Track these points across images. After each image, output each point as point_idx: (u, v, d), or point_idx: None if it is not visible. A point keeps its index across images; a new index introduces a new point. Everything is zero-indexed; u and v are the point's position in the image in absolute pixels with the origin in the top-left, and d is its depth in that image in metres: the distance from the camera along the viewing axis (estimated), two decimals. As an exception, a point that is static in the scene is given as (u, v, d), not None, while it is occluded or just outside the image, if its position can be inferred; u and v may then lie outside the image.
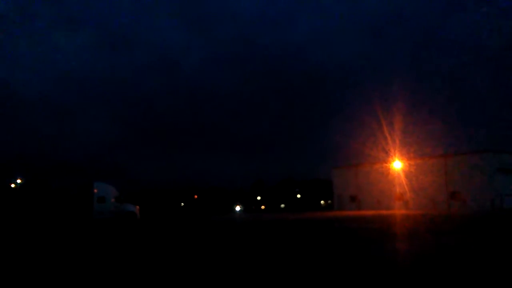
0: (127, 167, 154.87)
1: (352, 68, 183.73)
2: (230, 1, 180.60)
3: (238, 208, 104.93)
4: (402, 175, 57.37)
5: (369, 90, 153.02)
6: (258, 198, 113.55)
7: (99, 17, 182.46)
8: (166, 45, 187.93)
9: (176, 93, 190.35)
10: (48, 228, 22.49)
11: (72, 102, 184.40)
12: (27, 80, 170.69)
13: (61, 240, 13.53)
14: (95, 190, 29.84)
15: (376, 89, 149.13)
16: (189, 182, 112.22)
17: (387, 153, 57.13)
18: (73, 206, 29.46)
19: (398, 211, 46.99)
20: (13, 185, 39.83)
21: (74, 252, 9.63)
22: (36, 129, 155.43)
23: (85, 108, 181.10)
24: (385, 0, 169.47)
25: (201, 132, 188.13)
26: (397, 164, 56.39)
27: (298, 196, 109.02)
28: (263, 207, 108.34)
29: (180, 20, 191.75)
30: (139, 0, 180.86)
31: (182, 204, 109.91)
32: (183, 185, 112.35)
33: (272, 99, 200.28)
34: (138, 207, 32.08)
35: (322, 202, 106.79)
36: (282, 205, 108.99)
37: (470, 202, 49.07)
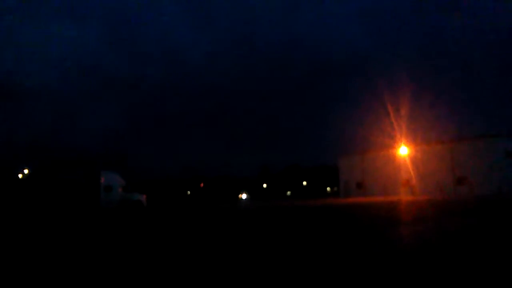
0: (134, 156, 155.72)
1: (357, 54, 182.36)
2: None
3: (244, 196, 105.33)
4: (408, 161, 57.23)
5: (375, 76, 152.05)
6: (264, 185, 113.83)
7: (107, 11, 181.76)
8: (173, 37, 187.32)
9: (182, 83, 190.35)
10: (55, 217, 22.68)
11: (80, 94, 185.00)
12: (35, 72, 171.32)
13: (68, 229, 13.64)
14: (102, 180, 30.00)
15: (382, 75, 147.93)
16: (196, 171, 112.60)
17: (393, 139, 57.00)
18: (81, 196, 29.66)
19: (404, 197, 46.95)
20: (20, 176, 40.12)
21: (81, 241, 9.69)
22: (43, 120, 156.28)
23: (93, 99, 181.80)
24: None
25: (207, 121, 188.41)
26: (403, 150, 56.23)
27: (304, 183, 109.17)
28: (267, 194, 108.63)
29: (185, 14, 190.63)
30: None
31: (189, 192, 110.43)
32: (189, 174, 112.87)
33: (278, 87, 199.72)
34: (145, 196, 32.26)
35: (328, 188, 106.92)
36: (288, 192, 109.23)
37: (477, 187, 48.86)
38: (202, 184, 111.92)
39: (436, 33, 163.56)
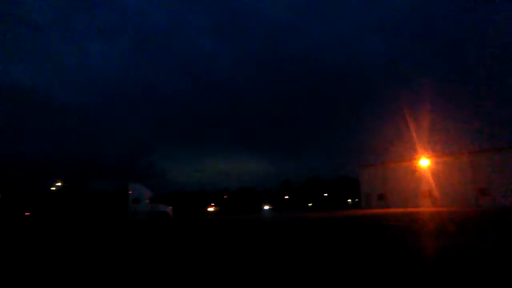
0: (161, 169, 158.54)
1: (377, 65, 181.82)
2: (255, 7, 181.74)
3: (266, 207, 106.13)
4: (429, 173, 57.27)
5: (395, 88, 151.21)
6: (286, 197, 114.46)
7: (132, 26, 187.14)
8: (198, 51, 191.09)
9: (206, 96, 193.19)
10: (86, 229, 24.17)
11: (108, 108, 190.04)
12: (66, 87, 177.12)
13: (98, 240, 14.76)
14: (130, 192, 31.64)
15: (403, 86, 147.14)
16: (220, 183, 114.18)
17: (414, 150, 57.25)
18: (110, 207, 31.34)
19: (425, 208, 47.10)
20: (53, 188, 42.31)
21: (110, 252, 10.61)
22: (74, 134, 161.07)
23: (121, 113, 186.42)
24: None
25: (232, 135, 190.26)
26: (424, 162, 56.37)
27: (325, 195, 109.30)
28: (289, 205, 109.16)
29: (208, 27, 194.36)
30: (169, 10, 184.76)
31: (213, 204, 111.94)
32: (214, 186, 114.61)
33: (298, 100, 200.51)
34: (171, 207, 33.71)
35: (349, 200, 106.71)
36: (310, 204, 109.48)
37: (499, 198, 48.65)
38: (226, 196, 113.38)
39: (458, 43, 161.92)
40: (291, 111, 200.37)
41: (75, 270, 7.00)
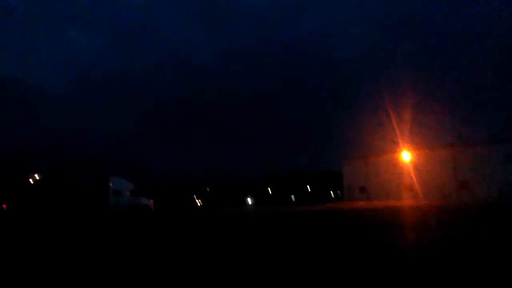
0: (141, 161, 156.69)
1: (360, 59, 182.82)
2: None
3: (249, 200, 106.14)
4: (410, 166, 57.85)
5: (377, 81, 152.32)
6: (269, 190, 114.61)
7: (112, 15, 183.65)
8: (181, 40, 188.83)
9: (188, 87, 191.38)
10: (63, 221, 23.58)
11: (87, 98, 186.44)
12: (43, 78, 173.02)
13: (75, 233, 14.39)
14: (111, 184, 30.95)
15: (385, 79, 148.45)
16: (201, 175, 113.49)
17: (395, 144, 57.71)
18: (89, 200, 30.60)
19: (406, 201, 47.57)
20: (31, 180, 41.19)
21: (86, 245, 10.35)
22: (52, 125, 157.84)
23: (100, 104, 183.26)
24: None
25: (213, 126, 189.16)
26: (406, 155, 56.91)
27: (308, 187, 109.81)
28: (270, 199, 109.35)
29: (195, 15, 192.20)
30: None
31: (195, 197, 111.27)
32: (195, 178, 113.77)
33: (281, 92, 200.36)
34: (152, 200, 33.16)
35: (332, 193, 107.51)
36: (292, 197, 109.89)
37: (479, 192, 49.42)
38: (207, 189, 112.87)
39: (437, 36, 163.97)
40: (273, 103, 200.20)
41: (50, 264, 6.73)
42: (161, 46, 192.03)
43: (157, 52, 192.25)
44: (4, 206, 33.82)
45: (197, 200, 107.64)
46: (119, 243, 10.29)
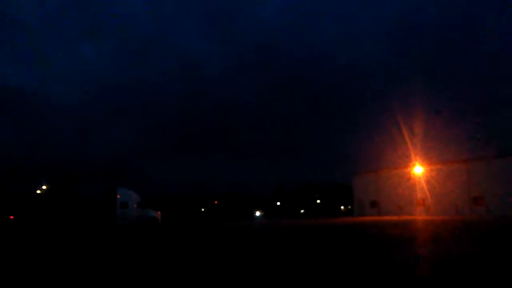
0: (149, 173, 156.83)
1: (372, 73, 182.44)
2: (252, 8, 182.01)
3: (258, 213, 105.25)
4: (423, 180, 56.80)
5: (389, 95, 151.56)
6: (278, 203, 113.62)
7: (123, 28, 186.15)
8: (189, 52, 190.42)
9: (197, 100, 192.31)
10: (71, 233, 23.21)
11: (96, 110, 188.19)
12: (54, 90, 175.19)
13: (83, 244, 14.08)
14: (118, 196, 30.64)
15: (397, 93, 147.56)
16: (210, 188, 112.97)
17: (407, 158, 56.78)
18: (97, 212, 30.31)
19: (419, 216, 46.54)
20: (38, 191, 41.19)
21: (94, 256, 10.09)
22: (61, 136, 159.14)
23: (109, 116, 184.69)
24: (407, 5, 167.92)
25: (223, 139, 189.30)
26: (418, 169, 55.92)
27: (318, 201, 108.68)
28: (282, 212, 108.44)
29: (203, 28, 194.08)
30: (162, 9, 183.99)
31: (203, 210, 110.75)
32: (204, 191, 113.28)
33: (292, 106, 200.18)
34: (159, 212, 32.76)
35: (342, 207, 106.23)
36: (302, 211, 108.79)
37: (493, 208, 48.18)
38: (216, 202, 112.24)
39: (451, 52, 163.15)
40: (284, 116, 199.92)
41: (56, 275, 6.48)
42: (170, 59, 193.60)
43: (167, 65, 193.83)
44: (11, 217, 33.75)
45: (205, 213, 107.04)
46: (123, 255, 9.91)
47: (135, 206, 31.21)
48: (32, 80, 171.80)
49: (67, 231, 25.26)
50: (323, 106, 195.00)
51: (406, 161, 57.86)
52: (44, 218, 30.73)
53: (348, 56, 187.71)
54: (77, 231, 25.49)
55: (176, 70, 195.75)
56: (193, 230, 24.64)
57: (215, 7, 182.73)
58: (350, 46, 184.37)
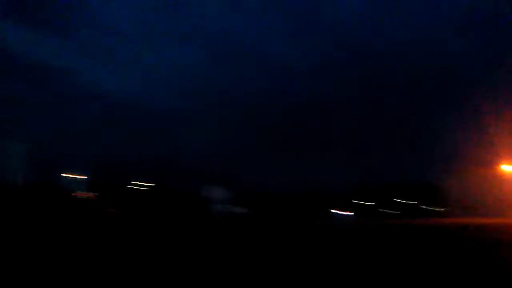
0: (238, 172, 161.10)
1: (465, 66, 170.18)
2: (332, 8, 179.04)
3: (341, 212, 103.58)
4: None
5: (485, 89, 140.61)
6: (362, 202, 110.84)
7: (214, 32, 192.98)
8: (276, 54, 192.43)
9: (282, 100, 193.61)
10: (171, 226, 24.91)
11: (190, 112, 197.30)
12: (152, 94, 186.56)
13: (182, 236, 15.21)
14: (210, 193, 32.49)
15: (490, 89, 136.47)
16: (294, 185, 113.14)
17: (503, 156, 52.69)
18: (192, 207, 32.34)
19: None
20: (142, 188, 44.75)
21: (192, 249, 10.90)
22: (161, 138, 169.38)
23: (202, 117, 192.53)
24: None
25: (307, 136, 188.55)
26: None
27: (405, 201, 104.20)
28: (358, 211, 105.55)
29: (288, 29, 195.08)
30: (248, 13, 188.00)
31: (288, 207, 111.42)
32: (288, 188, 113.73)
33: (378, 102, 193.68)
34: (246, 209, 34.07)
35: (431, 208, 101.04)
36: (389, 210, 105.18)
37: None
38: (298, 199, 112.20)
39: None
40: (372, 113, 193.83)
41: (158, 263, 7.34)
42: (256, 59, 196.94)
43: (253, 66, 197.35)
44: (114, 210, 37.08)
45: (287, 210, 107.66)
46: (217, 248, 10.71)
47: (224, 203, 32.79)
48: (131, 85, 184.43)
49: (167, 224, 26.96)
50: (412, 101, 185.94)
51: (504, 160, 53.67)
52: (147, 211, 33.38)
53: (432, 49, 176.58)
54: (176, 224, 27.18)
55: (263, 71, 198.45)
56: (295, 228, 25.20)
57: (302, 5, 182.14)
58: (433, 38, 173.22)
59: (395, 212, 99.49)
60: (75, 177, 44.90)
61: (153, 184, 40.09)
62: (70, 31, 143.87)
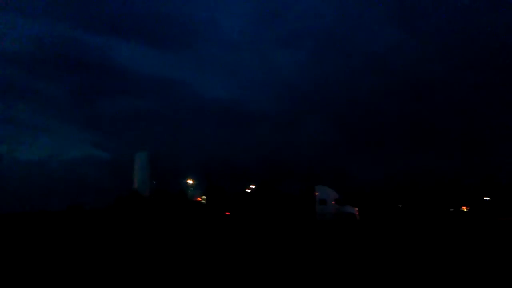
0: (346, 169, 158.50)
1: None
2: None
3: (462, 209, 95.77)
4: None
5: None
6: (487, 198, 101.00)
7: (316, 32, 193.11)
8: (379, 46, 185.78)
9: (389, 92, 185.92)
10: (276, 227, 25.47)
11: (293, 112, 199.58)
12: (254, 97, 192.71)
13: (288, 237, 15.51)
14: (317, 193, 32.37)
15: None
16: (406, 181, 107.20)
17: None
18: (298, 208, 32.59)
19: None
20: (247, 190, 46.37)
21: (299, 248, 11.08)
22: (263, 141, 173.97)
23: (305, 117, 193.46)
24: None
25: (417, 131, 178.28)
26: None
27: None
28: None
29: (391, 20, 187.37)
30: (343, 8, 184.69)
31: (400, 205, 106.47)
32: (399, 185, 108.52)
33: (494, 89, 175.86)
34: (357, 209, 33.23)
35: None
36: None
37: None
38: (413, 197, 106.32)
39: None
40: (485, 100, 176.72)
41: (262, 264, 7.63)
42: (361, 54, 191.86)
43: (357, 61, 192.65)
44: (228, 213, 38.78)
45: (402, 208, 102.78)
46: (324, 250, 10.76)
47: (333, 203, 32.41)
48: (235, 89, 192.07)
49: (273, 225, 27.62)
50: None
51: None
52: (253, 213, 34.42)
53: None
54: (282, 225, 27.68)
55: (367, 65, 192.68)
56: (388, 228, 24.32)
57: None
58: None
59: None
60: (191, 182, 48.23)
61: (258, 185, 41.31)
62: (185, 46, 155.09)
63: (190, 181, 48.23)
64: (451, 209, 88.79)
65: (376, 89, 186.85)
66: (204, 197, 45.54)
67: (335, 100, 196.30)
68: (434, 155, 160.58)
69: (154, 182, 50.47)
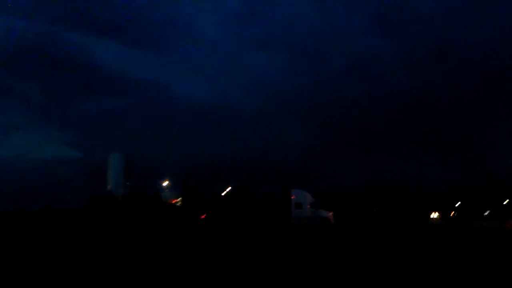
0: (322, 173, 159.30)
1: None
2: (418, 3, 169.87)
3: (435, 215, 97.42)
4: None
5: None
6: (457, 203, 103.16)
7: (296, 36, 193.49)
8: (362, 50, 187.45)
9: (371, 97, 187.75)
10: (251, 230, 25.31)
11: (272, 115, 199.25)
12: (233, 99, 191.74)
13: (261, 241, 15.40)
14: (293, 197, 32.38)
15: None
16: (382, 186, 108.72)
17: None
18: (273, 211, 32.50)
19: None
20: (223, 193, 46.00)
21: (271, 253, 10.99)
22: (241, 142, 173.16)
23: (285, 120, 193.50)
24: None
25: (395, 135, 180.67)
26: None
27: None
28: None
29: (373, 24, 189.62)
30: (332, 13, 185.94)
31: (374, 210, 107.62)
32: (376, 190, 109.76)
33: (476, 97, 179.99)
34: (332, 213, 33.40)
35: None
36: (486, 213, 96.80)
37: None
38: (388, 201, 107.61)
39: None
40: (468, 108, 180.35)
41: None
42: (344, 58, 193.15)
43: (339, 66, 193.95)
44: (202, 216, 38.36)
45: (377, 213, 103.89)
46: (297, 253, 10.68)
47: (308, 206, 32.49)
48: (214, 91, 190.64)
49: (248, 229, 27.42)
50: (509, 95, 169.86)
51: None
52: (228, 216, 34.10)
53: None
54: (256, 229, 27.52)
55: (349, 69, 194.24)
56: (363, 231, 24.51)
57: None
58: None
59: (493, 214, 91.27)
60: (167, 184, 47.55)
61: (233, 188, 41.04)
62: (163, 46, 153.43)
63: (165, 183, 47.56)
64: (422, 214, 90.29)
65: (358, 94, 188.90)
66: (179, 199, 44.94)
67: (316, 103, 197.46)
68: (414, 161, 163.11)
69: (128, 183, 49.78)
